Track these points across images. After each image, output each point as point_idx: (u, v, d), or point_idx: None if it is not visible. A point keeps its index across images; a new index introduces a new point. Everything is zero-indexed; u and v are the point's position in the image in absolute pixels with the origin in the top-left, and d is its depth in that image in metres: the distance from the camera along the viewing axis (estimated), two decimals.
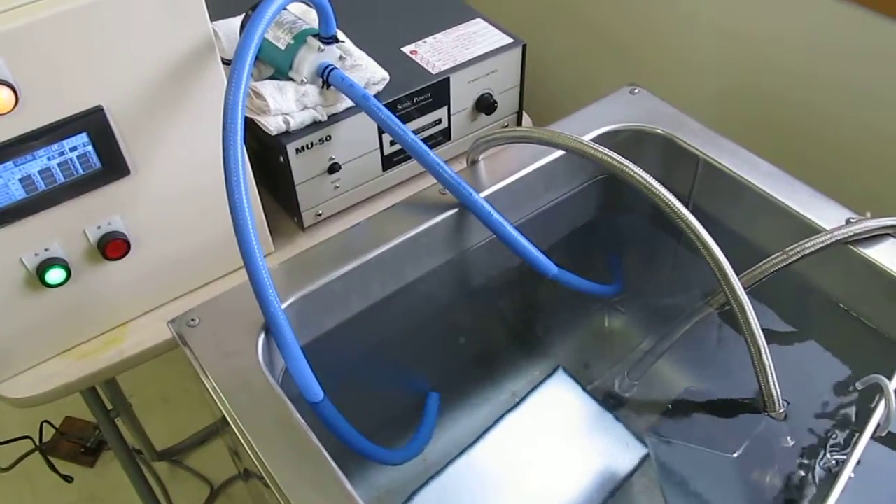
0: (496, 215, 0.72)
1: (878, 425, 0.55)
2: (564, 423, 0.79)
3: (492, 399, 0.87)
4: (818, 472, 0.62)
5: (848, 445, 0.63)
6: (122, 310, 0.74)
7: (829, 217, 0.69)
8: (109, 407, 0.97)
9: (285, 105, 0.74)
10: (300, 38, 0.74)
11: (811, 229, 0.69)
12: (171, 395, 1.38)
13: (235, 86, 0.61)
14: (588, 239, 0.86)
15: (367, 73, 0.77)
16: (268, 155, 0.77)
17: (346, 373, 0.75)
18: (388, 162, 0.83)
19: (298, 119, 0.74)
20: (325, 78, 0.74)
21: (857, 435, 0.55)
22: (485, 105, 0.86)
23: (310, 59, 0.73)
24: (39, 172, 0.61)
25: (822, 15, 0.89)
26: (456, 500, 0.75)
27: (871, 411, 0.56)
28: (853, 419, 0.64)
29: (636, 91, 0.84)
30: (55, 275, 0.66)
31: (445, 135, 0.86)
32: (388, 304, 0.74)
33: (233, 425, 0.57)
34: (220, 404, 0.59)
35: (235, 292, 0.66)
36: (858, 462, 0.54)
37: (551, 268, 0.75)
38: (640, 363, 0.77)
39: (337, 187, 0.81)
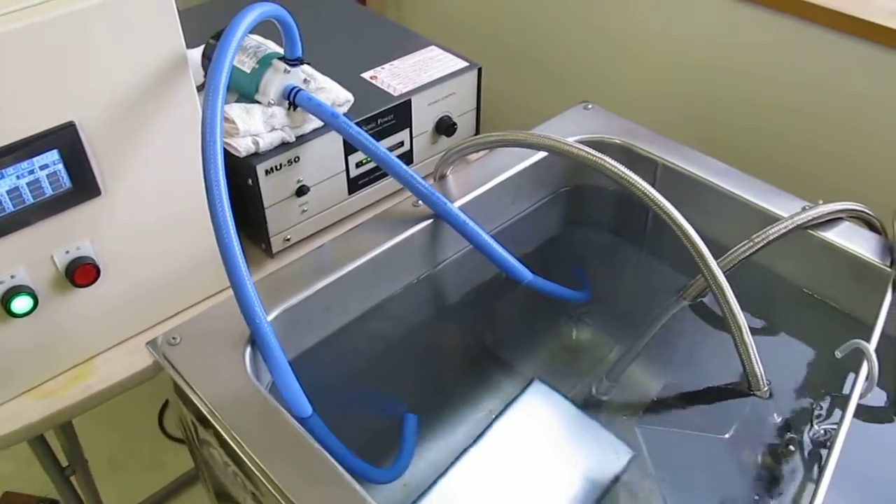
0: (471, 223, 0.73)
1: (865, 385, 0.57)
2: (547, 431, 0.79)
3: (469, 417, 0.86)
4: (807, 443, 0.64)
5: (830, 415, 0.65)
6: (89, 342, 0.71)
7: (784, 207, 0.73)
8: (64, 464, 0.91)
9: (253, 126, 0.74)
10: (265, 62, 0.75)
11: (770, 218, 0.72)
12: (119, 460, 1.31)
13: (213, 99, 0.61)
14: (553, 251, 0.88)
15: (332, 94, 0.78)
16: (235, 180, 0.76)
17: (326, 393, 0.73)
18: (354, 185, 0.84)
19: (267, 140, 0.74)
20: (292, 99, 0.74)
21: (846, 398, 0.57)
22: (445, 127, 0.88)
23: (276, 81, 0.74)
24: (8, 192, 0.59)
25: (756, 26, 0.97)
26: None
27: (855, 375, 0.58)
28: (832, 390, 0.67)
29: (589, 107, 0.87)
30: (21, 303, 0.63)
31: (408, 158, 0.87)
32: (367, 320, 0.73)
33: (229, 439, 0.55)
34: (213, 420, 0.56)
35: (217, 309, 0.65)
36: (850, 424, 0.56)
37: (526, 274, 0.76)
38: (617, 364, 0.78)
39: (304, 211, 0.80)
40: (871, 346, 0.59)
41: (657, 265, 0.88)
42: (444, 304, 0.82)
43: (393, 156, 0.72)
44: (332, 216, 0.84)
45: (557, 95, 1.30)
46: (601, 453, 0.77)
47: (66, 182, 0.61)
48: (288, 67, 0.74)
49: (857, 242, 0.70)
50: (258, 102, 0.75)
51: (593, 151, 0.67)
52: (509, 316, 0.89)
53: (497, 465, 0.78)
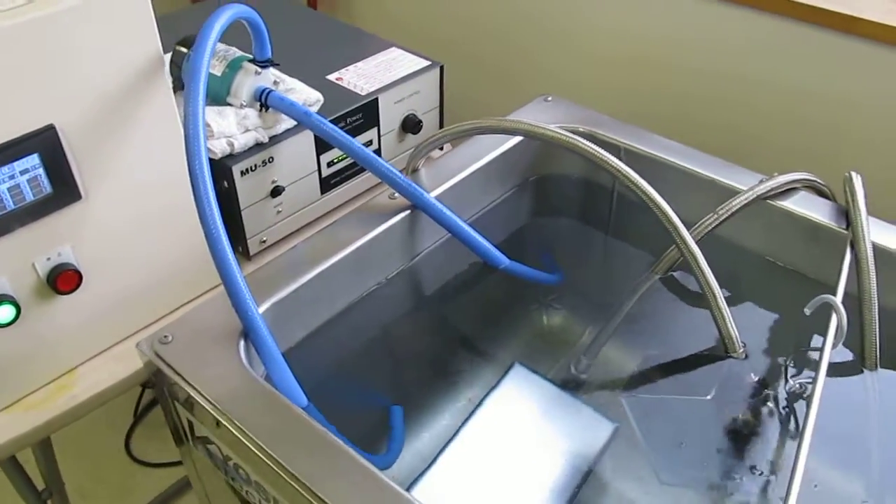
0: (448, 212, 0.75)
1: (836, 336, 0.61)
2: (531, 412, 0.81)
3: (449, 407, 0.87)
4: (783, 397, 0.67)
5: (802, 370, 0.68)
6: (73, 350, 0.70)
7: (743, 181, 0.77)
8: (41, 487, 0.89)
9: (227, 128, 0.74)
10: (235, 65, 0.75)
11: (731, 192, 0.76)
12: (88, 489, 1.28)
13: (194, 94, 0.61)
14: (522, 240, 0.90)
15: (302, 95, 0.79)
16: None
17: (314, 388, 0.74)
18: (326, 185, 0.85)
19: (242, 141, 0.75)
20: (264, 100, 0.75)
21: (819, 350, 0.60)
22: (411, 125, 0.90)
23: (247, 83, 0.75)
24: None
25: (703, 16, 1.01)
26: None
27: (825, 328, 0.62)
28: (802, 347, 0.70)
29: (549, 99, 0.90)
30: (4, 312, 0.62)
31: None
32: (352, 313, 0.74)
33: (232, 429, 0.55)
34: (215, 412, 0.56)
35: (207, 305, 0.65)
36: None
37: (503, 259, 0.78)
38: (594, 342, 0.80)
39: (279, 212, 0.81)
40: (838, 299, 0.63)
41: (622, 248, 0.91)
42: (421, 295, 0.84)
43: (368, 150, 0.73)
44: (306, 216, 0.85)
45: (512, 93, 1.33)
46: (585, 429, 0.79)
47: (46, 187, 0.61)
48: (259, 69, 0.75)
49: (813, 209, 0.74)
50: (230, 105, 0.76)
51: (568, 133, 0.70)
52: (482, 306, 0.91)
53: (485, 449, 0.79)
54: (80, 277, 0.66)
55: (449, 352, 0.92)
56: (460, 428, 0.81)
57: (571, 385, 0.82)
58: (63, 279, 0.65)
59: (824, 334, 0.62)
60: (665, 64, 1.12)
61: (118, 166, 0.65)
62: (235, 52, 0.77)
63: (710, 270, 0.67)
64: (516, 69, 1.31)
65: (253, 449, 0.54)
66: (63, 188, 0.62)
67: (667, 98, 1.14)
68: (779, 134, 1.05)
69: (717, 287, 0.67)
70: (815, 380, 0.59)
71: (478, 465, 0.78)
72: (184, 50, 0.78)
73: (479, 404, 0.83)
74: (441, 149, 0.95)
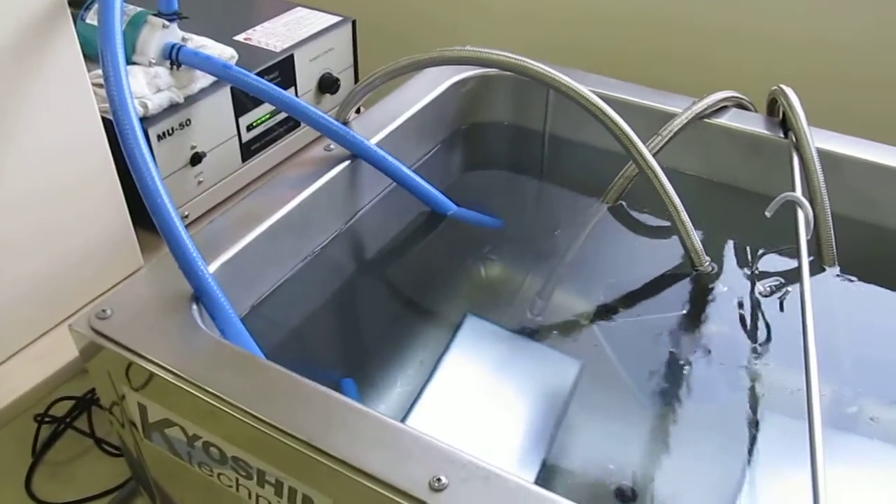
0: (391, 159, 0.70)
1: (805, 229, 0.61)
2: (493, 361, 0.78)
3: (400, 374, 0.83)
4: (756, 299, 0.67)
5: (772, 275, 0.69)
6: None
7: (675, 104, 0.77)
8: None
9: (138, 89, 0.67)
10: (139, 20, 0.68)
11: (667, 116, 0.76)
12: None
13: (110, 41, 0.54)
14: (457, 190, 0.87)
15: (215, 52, 0.73)
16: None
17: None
18: (247, 151, 0.78)
19: (156, 101, 0.68)
20: (175, 57, 0.68)
21: (795, 247, 0.61)
22: (328, 84, 0.85)
23: (155, 38, 0.68)
24: None
25: None
26: None
27: (795, 225, 0.62)
28: (764, 253, 0.71)
29: (468, 47, 0.88)
30: None
31: (295, 120, 0.83)
32: (298, 278, 0.69)
33: (205, 397, 0.49)
34: (180, 382, 0.50)
35: (143, 277, 0.58)
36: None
37: (450, 206, 0.75)
38: (548, 283, 0.78)
39: (200, 182, 0.74)
40: (798, 194, 0.63)
41: (555, 193, 0.90)
42: (363, 257, 0.79)
43: (299, 99, 0.68)
44: (227, 188, 0.78)
45: (433, 44, 1.29)
46: (551, 370, 0.77)
47: None
48: (166, 23, 0.68)
49: (750, 123, 0.75)
50: (136, 64, 0.69)
51: (518, 56, 0.67)
52: (421, 265, 0.87)
53: (451, 407, 0.75)
54: None
55: (392, 315, 0.88)
56: (422, 389, 0.77)
57: (529, 329, 0.80)
58: None
59: (795, 231, 0.62)
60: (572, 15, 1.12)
61: (21, 127, 0.57)
62: (136, 8, 0.70)
63: (670, 185, 0.66)
64: (426, 32, 1.27)
65: (235, 415, 0.48)
66: None
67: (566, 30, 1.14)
68: (699, 52, 1.06)
69: (679, 201, 0.67)
70: (800, 275, 0.60)
71: (447, 423, 0.74)
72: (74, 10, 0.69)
73: (438, 361, 0.79)
74: (358, 111, 0.91)
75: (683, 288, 0.69)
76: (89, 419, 1.19)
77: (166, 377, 0.50)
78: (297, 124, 0.83)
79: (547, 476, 0.69)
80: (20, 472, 1.22)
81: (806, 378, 0.50)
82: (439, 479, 0.43)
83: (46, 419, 1.21)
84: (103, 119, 0.62)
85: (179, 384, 0.50)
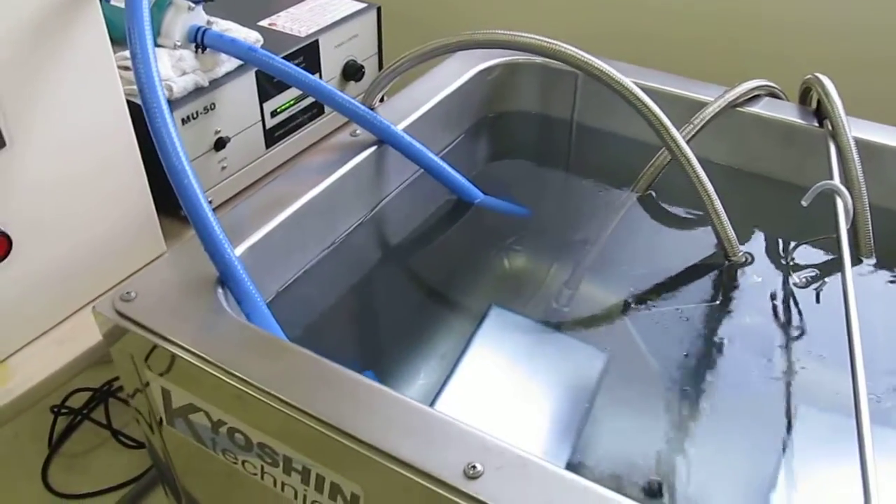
0: (418, 145, 0.69)
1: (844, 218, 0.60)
2: (518, 353, 0.76)
3: (423, 366, 0.81)
4: (791, 290, 0.65)
5: (807, 266, 0.67)
6: (5, 336, 0.59)
7: (706, 93, 0.76)
8: None
9: (162, 71, 0.66)
10: (164, 2, 0.67)
11: (698, 104, 0.74)
12: None
13: (139, 22, 0.53)
14: (483, 179, 0.86)
15: (240, 35, 0.72)
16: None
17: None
18: (271, 138, 0.77)
19: (181, 84, 0.67)
20: (200, 40, 0.68)
21: (835, 237, 0.59)
22: (353, 71, 0.84)
23: (180, 20, 0.67)
24: None
25: None
26: None
27: (834, 214, 0.61)
28: (799, 243, 0.69)
29: (498, 31, 0.86)
30: None
31: (319, 107, 0.82)
32: (322, 265, 0.67)
33: (231, 381, 0.48)
34: (206, 366, 0.49)
35: (167, 260, 0.57)
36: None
37: (477, 194, 0.73)
38: (575, 273, 0.77)
39: (224, 167, 0.73)
40: (837, 182, 0.62)
41: (583, 184, 0.89)
42: (388, 245, 0.78)
43: (325, 84, 0.67)
44: (250, 175, 0.77)
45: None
46: (577, 362, 0.75)
47: None
48: (192, 5, 0.67)
49: (783, 112, 0.74)
50: (161, 46, 0.68)
51: (550, 40, 0.66)
52: (445, 256, 0.86)
53: (477, 397, 0.74)
54: (10, 243, 0.56)
55: (416, 305, 0.86)
56: (446, 380, 0.76)
57: (555, 320, 0.78)
58: None
59: (834, 221, 0.61)
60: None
61: (47, 110, 0.56)
62: None
63: (703, 173, 0.65)
64: (450, 19, 1.25)
65: (262, 399, 0.47)
66: None
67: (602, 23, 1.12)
68: (730, 41, 1.04)
69: (712, 189, 0.65)
70: (841, 266, 0.58)
71: (471, 414, 0.73)
72: None
73: (463, 352, 0.77)
74: (382, 99, 0.90)
75: (716, 279, 0.67)
76: (106, 410, 1.18)
77: (191, 360, 0.49)
78: (320, 112, 0.82)
79: (573, 470, 0.67)
80: (37, 464, 1.22)
81: (851, 371, 0.48)
82: (474, 467, 0.42)
83: (63, 410, 1.21)
84: (128, 103, 0.61)
85: (205, 367, 0.49)
